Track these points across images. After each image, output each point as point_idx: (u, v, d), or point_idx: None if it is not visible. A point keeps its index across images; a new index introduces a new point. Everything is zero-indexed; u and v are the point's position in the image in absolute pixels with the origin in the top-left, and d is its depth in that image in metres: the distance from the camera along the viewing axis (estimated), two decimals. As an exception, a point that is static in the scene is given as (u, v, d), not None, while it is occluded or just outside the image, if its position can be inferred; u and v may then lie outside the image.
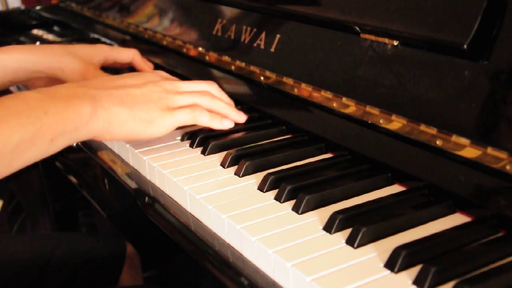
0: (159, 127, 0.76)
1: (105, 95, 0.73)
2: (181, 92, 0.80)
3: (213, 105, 0.81)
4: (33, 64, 0.98)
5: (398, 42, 0.73)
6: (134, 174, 0.82)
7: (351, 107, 0.76)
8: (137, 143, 0.85)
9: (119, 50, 1.10)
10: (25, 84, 1.06)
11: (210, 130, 0.83)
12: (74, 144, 0.99)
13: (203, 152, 0.80)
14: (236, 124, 0.85)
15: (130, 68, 1.15)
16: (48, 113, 0.66)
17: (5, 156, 0.63)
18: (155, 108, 0.76)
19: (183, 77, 1.11)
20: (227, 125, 0.81)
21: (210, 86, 0.84)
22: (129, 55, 1.10)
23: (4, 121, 0.63)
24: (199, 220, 0.69)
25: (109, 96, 0.73)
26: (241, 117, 0.83)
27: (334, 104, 0.78)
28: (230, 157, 0.76)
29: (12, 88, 1.31)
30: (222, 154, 0.79)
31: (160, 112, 0.76)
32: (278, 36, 0.91)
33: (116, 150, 0.89)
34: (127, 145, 0.85)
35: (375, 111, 0.73)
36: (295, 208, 0.64)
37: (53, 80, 1.03)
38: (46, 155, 0.68)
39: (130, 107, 0.74)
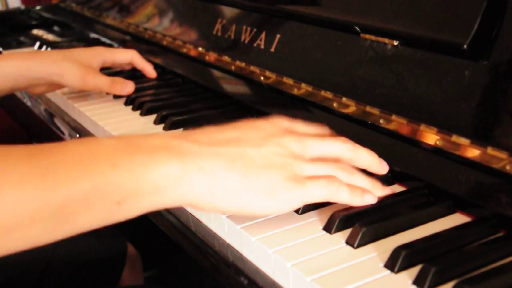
0: (283, 203, 0.57)
1: (207, 152, 0.55)
2: (311, 158, 0.61)
3: (352, 182, 0.62)
4: (34, 71, 0.98)
5: (398, 42, 0.73)
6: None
7: (351, 107, 0.76)
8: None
9: (117, 51, 1.10)
10: (26, 90, 1.06)
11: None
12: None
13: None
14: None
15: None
16: (116, 167, 0.50)
17: (46, 218, 0.48)
18: (279, 177, 0.57)
19: (183, 77, 1.12)
20: (369, 200, 0.61)
21: (344, 145, 0.64)
22: (128, 55, 1.10)
23: (49, 170, 0.48)
24: (199, 220, 0.69)
25: (213, 155, 0.55)
26: (387, 191, 0.65)
27: (334, 104, 0.78)
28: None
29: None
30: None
31: (285, 183, 0.57)
32: (278, 36, 0.91)
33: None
34: (127, 145, 0.84)
35: (375, 111, 0.73)
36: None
37: (54, 85, 1.04)
38: (112, 222, 0.52)
39: (243, 172, 0.55)
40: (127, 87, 1.03)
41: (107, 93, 1.08)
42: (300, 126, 0.65)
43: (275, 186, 0.56)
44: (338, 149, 0.63)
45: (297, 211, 0.64)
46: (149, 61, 1.22)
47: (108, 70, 1.16)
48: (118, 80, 1.03)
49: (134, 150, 0.52)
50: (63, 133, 1.06)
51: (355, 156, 0.63)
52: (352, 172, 0.62)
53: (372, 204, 0.63)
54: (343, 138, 0.65)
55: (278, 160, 0.58)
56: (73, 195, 0.48)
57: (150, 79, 1.14)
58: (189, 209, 0.71)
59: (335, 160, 0.62)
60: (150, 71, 1.12)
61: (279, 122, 0.64)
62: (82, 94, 1.10)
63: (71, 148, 0.51)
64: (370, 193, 0.62)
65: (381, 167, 0.65)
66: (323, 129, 0.67)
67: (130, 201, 0.51)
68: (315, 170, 0.60)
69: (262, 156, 0.57)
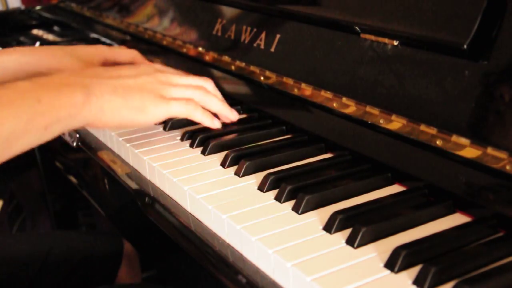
0: (151, 115, 0.77)
1: (98, 83, 0.74)
2: (175, 84, 0.81)
3: (206, 101, 0.83)
4: (34, 65, 0.98)
5: (398, 42, 0.73)
6: (134, 174, 0.82)
7: (351, 107, 0.76)
8: (138, 144, 0.85)
9: (119, 51, 1.10)
10: None
11: (209, 130, 0.83)
12: (74, 144, 0.99)
13: (203, 152, 0.80)
14: (236, 124, 0.85)
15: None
16: (41, 102, 0.67)
17: None
18: (149, 96, 0.77)
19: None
20: (216, 125, 0.82)
21: (205, 82, 0.85)
22: (130, 56, 1.09)
23: None
24: (199, 220, 0.69)
25: (102, 84, 0.74)
26: (234, 115, 0.85)
27: (334, 104, 0.78)
28: (230, 157, 0.76)
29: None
30: (222, 154, 0.79)
31: (153, 100, 0.77)
32: (278, 36, 0.91)
33: (116, 150, 0.89)
34: (127, 145, 0.85)
35: (375, 111, 0.73)
36: (295, 208, 0.64)
37: None
38: (41, 142, 0.69)
39: (122, 95, 0.75)
40: None
41: None
42: (171, 69, 0.87)
43: (145, 103, 0.77)
44: (198, 82, 0.84)
45: (297, 211, 0.64)
46: (149, 61, 1.22)
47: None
48: None
49: (49, 88, 0.69)
50: (63, 133, 1.06)
51: (207, 99, 0.83)
52: (207, 94, 0.83)
53: (372, 204, 0.63)
54: (205, 78, 0.86)
55: (149, 86, 0.79)
56: (16, 126, 0.64)
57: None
58: (188, 209, 0.71)
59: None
60: None
61: (154, 65, 0.87)
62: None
63: (4, 92, 0.66)
64: (218, 120, 0.83)
65: (232, 113, 0.85)
66: (191, 75, 0.87)
67: (54, 126, 0.69)
68: (177, 92, 0.80)
69: (136, 83, 0.78)
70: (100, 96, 0.73)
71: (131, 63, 1.11)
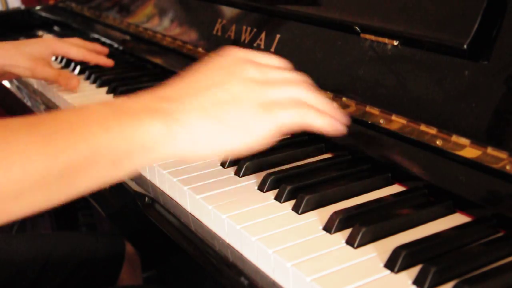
0: (257, 134, 0.60)
1: (182, 107, 0.59)
2: (273, 81, 0.63)
3: (316, 103, 0.64)
4: None
5: (398, 42, 0.73)
6: (134, 174, 0.82)
7: (351, 107, 0.76)
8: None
9: (68, 48, 1.18)
10: None
11: None
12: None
13: (203, 152, 0.80)
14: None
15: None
16: (109, 131, 0.55)
17: (51, 182, 0.52)
18: (248, 110, 0.60)
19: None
20: (340, 129, 0.64)
21: (298, 76, 0.67)
22: (79, 55, 1.18)
23: (51, 138, 0.52)
24: (199, 220, 0.69)
25: (187, 108, 0.59)
26: (343, 117, 0.66)
27: (334, 104, 0.78)
28: (230, 158, 0.76)
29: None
30: (222, 154, 0.79)
31: (256, 115, 0.60)
32: (278, 36, 0.91)
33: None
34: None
35: (375, 111, 0.73)
36: (295, 208, 0.64)
37: (7, 74, 1.13)
38: (109, 181, 0.57)
39: (217, 117, 0.59)
40: (72, 82, 1.11)
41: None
42: (256, 55, 0.67)
43: (247, 121, 0.60)
44: (297, 76, 0.66)
45: (297, 211, 0.64)
46: (149, 61, 1.22)
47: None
48: (64, 74, 1.12)
49: (120, 114, 0.56)
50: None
51: (311, 95, 0.64)
52: (316, 93, 0.64)
53: (372, 204, 0.63)
54: (299, 75, 0.67)
55: (244, 93, 0.61)
56: (74, 159, 0.52)
57: (150, 79, 1.15)
58: (188, 209, 0.71)
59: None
60: (105, 63, 1.20)
61: (235, 54, 0.66)
62: (85, 97, 1.10)
63: (66, 117, 0.55)
64: (339, 123, 0.64)
65: (340, 113, 0.66)
66: (278, 59, 0.69)
67: (124, 161, 0.56)
68: (280, 94, 0.62)
69: (229, 96, 0.61)
70: (187, 123, 0.58)
71: (82, 61, 1.19)
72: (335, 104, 0.65)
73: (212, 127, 0.59)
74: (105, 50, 1.23)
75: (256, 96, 0.61)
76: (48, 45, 1.15)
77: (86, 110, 0.57)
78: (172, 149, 0.58)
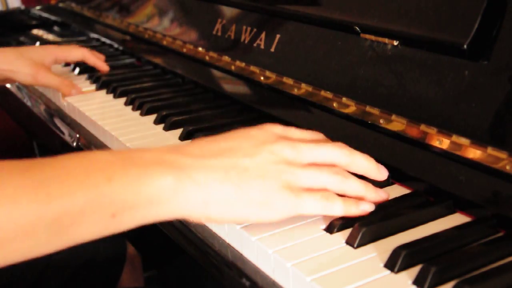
0: (278, 212, 0.57)
1: (201, 165, 0.55)
2: (305, 164, 0.60)
3: (345, 189, 0.61)
4: None
5: (398, 42, 0.73)
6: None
7: (351, 107, 0.76)
8: (137, 144, 0.85)
9: (69, 50, 1.18)
10: None
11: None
12: (74, 144, 0.99)
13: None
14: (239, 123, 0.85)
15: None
16: (111, 181, 0.50)
17: (41, 230, 0.48)
18: (273, 187, 0.56)
19: (183, 77, 1.12)
20: (366, 209, 0.60)
21: (340, 151, 0.62)
22: (79, 54, 1.18)
23: (44, 184, 0.48)
24: (199, 220, 0.69)
25: (207, 167, 0.55)
26: (382, 195, 0.63)
27: (334, 104, 0.78)
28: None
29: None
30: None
31: (280, 193, 0.56)
32: (278, 36, 0.91)
33: (116, 149, 0.89)
34: (127, 144, 0.85)
35: (375, 111, 0.73)
36: (295, 208, 0.64)
37: (6, 80, 1.12)
38: (107, 233, 0.52)
39: (237, 183, 0.55)
40: (74, 90, 1.10)
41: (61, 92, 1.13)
42: (294, 131, 0.64)
43: (268, 196, 0.56)
44: (334, 154, 0.61)
45: (297, 211, 0.64)
46: (149, 61, 1.22)
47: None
48: (67, 82, 1.11)
49: (128, 164, 0.52)
50: (63, 133, 1.07)
51: (351, 162, 0.62)
52: (347, 177, 0.61)
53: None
54: (339, 144, 0.63)
55: (271, 169, 0.57)
56: (68, 208, 0.48)
57: (150, 80, 1.15)
58: (189, 209, 0.71)
59: (331, 166, 0.61)
60: (102, 66, 1.20)
61: (272, 129, 0.63)
62: (85, 98, 1.11)
63: (65, 162, 0.51)
64: (365, 202, 0.61)
65: (380, 172, 0.64)
66: (317, 135, 0.66)
67: (125, 214, 0.51)
68: (309, 178, 0.59)
69: (255, 165, 0.57)
70: (203, 184, 0.54)
71: (82, 61, 1.18)
72: (368, 185, 0.62)
73: (230, 192, 0.55)
74: (102, 56, 1.23)
75: (284, 174, 0.57)
76: (50, 52, 1.14)
77: (89, 156, 0.53)
78: (180, 207, 0.54)
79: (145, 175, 0.52)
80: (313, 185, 0.59)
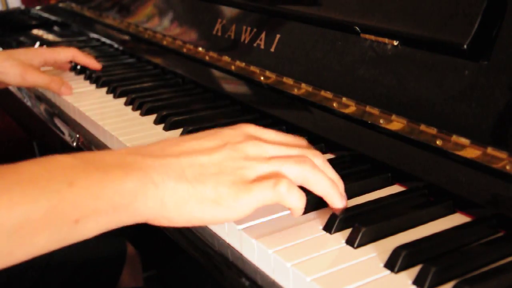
0: (232, 211, 0.55)
1: (160, 165, 0.54)
2: (268, 158, 0.58)
3: (311, 181, 0.58)
4: None
5: (398, 42, 0.73)
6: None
7: (351, 107, 0.76)
8: (137, 144, 0.85)
9: (58, 51, 1.18)
10: None
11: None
12: (74, 144, 0.99)
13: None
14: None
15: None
16: (73, 185, 0.49)
17: (3, 240, 0.46)
18: (226, 183, 0.55)
19: (183, 77, 1.12)
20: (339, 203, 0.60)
21: (311, 152, 0.61)
22: (69, 54, 1.18)
23: (7, 190, 0.47)
24: (199, 220, 0.69)
25: (165, 166, 0.54)
26: (342, 203, 0.61)
27: (334, 104, 0.78)
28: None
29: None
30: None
31: (231, 189, 0.55)
32: (278, 36, 0.91)
33: (116, 148, 0.89)
34: (127, 144, 0.85)
35: (375, 111, 0.73)
36: (295, 208, 0.64)
37: None
38: (71, 242, 0.51)
39: (190, 181, 0.54)
40: (64, 88, 1.10)
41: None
42: (269, 133, 0.62)
43: (220, 193, 0.54)
44: (300, 152, 0.60)
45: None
46: (148, 61, 1.22)
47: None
48: (57, 79, 1.10)
49: (90, 167, 0.51)
50: (63, 133, 1.07)
51: (317, 174, 0.59)
52: (314, 169, 0.58)
53: (372, 204, 0.63)
54: (315, 152, 0.61)
55: (229, 165, 0.56)
56: (30, 214, 0.47)
57: (150, 80, 1.15)
58: (189, 209, 0.71)
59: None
60: (94, 64, 1.20)
61: (245, 128, 0.61)
62: (85, 98, 1.11)
63: (27, 168, 0.50)
64: (338, 199, 0.60)
65: (339, 200, 0.60)
66: (299, 140, 0.64)
67: (88, 219, 0.50)
68: (266, 168, 0.57)
69: (213, 163, 0.56)
70: (161, 183, 0.53)
71: (72, 61, 1.20)
72: (334, 186, 0.60)
73: (184, 191, 0.54)
74: (92, 56, 1.23)
75: (240, 170, 0.56)
76: (38, 53, 1.14)
77: (52, 160, 0.51)
78: (141, 210, 0.53)
79: (107, 179, 0.51)
80: (270, 172, 0.57)
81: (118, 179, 0.51)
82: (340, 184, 0.62)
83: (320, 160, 0.60)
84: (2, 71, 1.08)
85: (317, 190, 0.59)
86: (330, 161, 0.75)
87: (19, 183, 0.47)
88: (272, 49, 0.91)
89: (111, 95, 1.09)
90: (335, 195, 0.60)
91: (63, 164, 0.51)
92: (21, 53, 1.12)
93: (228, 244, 0.63)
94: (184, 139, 0.59)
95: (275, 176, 0.56)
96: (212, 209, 0.54)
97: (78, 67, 1.25)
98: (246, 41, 0.97)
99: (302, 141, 0.64)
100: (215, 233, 0.65)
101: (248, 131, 0.61)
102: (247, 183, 0.55)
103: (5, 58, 1.09)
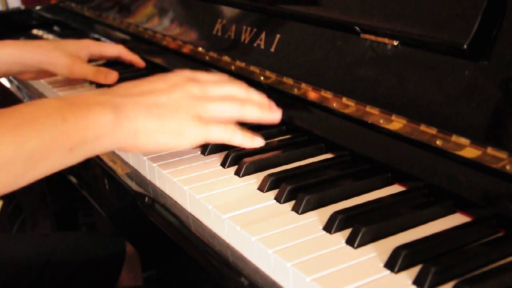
0: (189, 139, 0.71)
1: (130, 103, 0.68)
2: (210, 98, 0.74)
3: (244, 114, 0.76)
4: (26, 58, 1.06)
5: (398, 42, 0.73)
6: (134, 174, 0.82)
7: (351, 107, 0.76)
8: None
9: (106, 45, 1.18)
10: (17, 76, 1.16)
11: None
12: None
13: (203, 152, 0.80)
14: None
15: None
16: (66, 121, 0.62)
17: (18, 166, 0.59)
18: (186, 118, 0.71)
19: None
20: (258, 143, 0.77)
21: (238, 88, 0.78)
22: (116, 50, 1.18)
23: (17, 128, 0.59)
24: (199, 220, 0.69)
25: (134, 104, 0.68)
26: (276, 115, 0.79)
27: (334, 104, 0.78)
28: (230, 157, 0.76)
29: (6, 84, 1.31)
30: (222, 154, 0.79)
31: (191, 122, 0.71)
32: (278, 36, 0.91)
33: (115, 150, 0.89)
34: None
35: (375, 111, 0.72)
36: (295, 208, 0.64)
37: (43, 73, 1.12)
38: (65, 166, 0.64)
39: (158, 117, 0.69)
40: (111, 76, 1.09)
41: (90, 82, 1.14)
42: (201, 75, 0.78)
43: (183, 125, 0.70)
44: (233, 89, 0.77)
45: (297, 211, 0.64)
46: (148, 61, 1.22)
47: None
48: (103, 69, 1.09)
49: (74, 106, 0.64)
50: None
51: (247, 95, 0.77)
52: (243, 106, 0.75)
53: (372, 204, 0.63)
54: (238, 82, 0.79)
55: (184, 104, 0.71)
56: (38, 145, 0.60)
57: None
58: (188, 209, 0.71)
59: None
60: (139, 62, 1.19)
61: (183, 73, 0.77)
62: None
63: (26, 110, 0.62)
64: (259, 137, 0.77)
65: (271, 108, 0.78)
66: (222, 76, 0.80)
67: (79, 148, 0.63)
68: (215, 109, 0.73)
69: (171, 101, 0.71)
70: (133, 118, 0.67)
71: (118, 57, 1.18)
72: (263, 108, 0.77)
73: (152, 124, 0.68)
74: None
75: (194, 108, 0.72)
76: (85, 45, 1.13)
77: (43, 103, 0.64)
78: (118, 138, 0.66)
79: (91, 115, 0.64)
80: (218, 115, 0.73)
81: (99, 114, 0.64)
82: (264, 99, 0.79)
83: (242, 90, 0.78)
84: (49, 61, 1.06)
85: (252, 119, 0.76)
86: (330, 161, 0.75)
87: (26, 122, 0.60)
88: (272, 49, 0.91)
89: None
90: (265, 114, 0.77)
91: (52, 105, 0.64)
92: (69, 44, 1.11)
93: (228, 244, 0.63)
94: (139, 83, 0.73)
95: (224, 122, 0.74)
96: (175, 138, 0.70)
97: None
98: (246, 41, 0.97)
99: (223, 76, 0.81)
100: (215, 233, 0.66)
101: (187, 75, 0.76)
102: (203, 121, 0.72)
103: (52, 48, 1.07)
